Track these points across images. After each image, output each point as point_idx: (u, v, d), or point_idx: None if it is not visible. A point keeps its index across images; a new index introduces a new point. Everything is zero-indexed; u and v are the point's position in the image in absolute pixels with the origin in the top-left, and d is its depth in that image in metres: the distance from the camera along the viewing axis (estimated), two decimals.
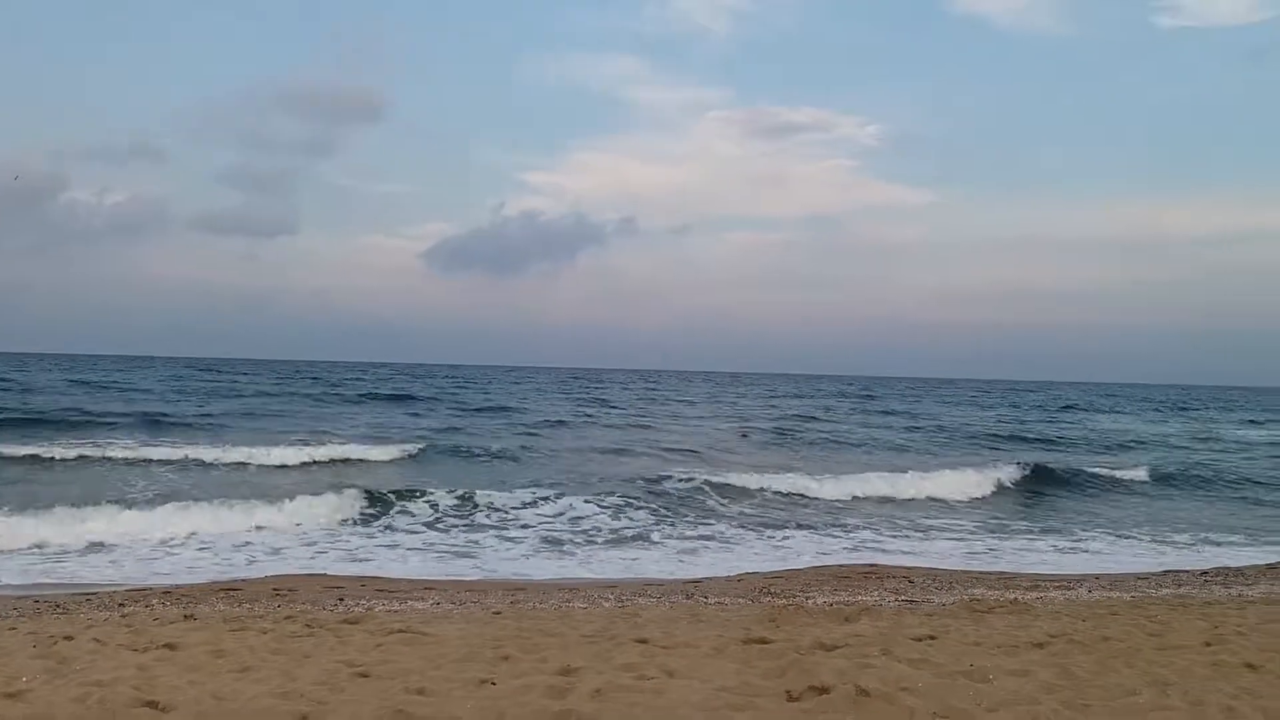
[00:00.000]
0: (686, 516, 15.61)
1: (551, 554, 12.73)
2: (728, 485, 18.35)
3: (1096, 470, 23.39)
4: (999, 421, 43.93)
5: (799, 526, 15.38)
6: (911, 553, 13.55)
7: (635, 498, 16.71)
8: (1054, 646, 6.78)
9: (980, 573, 11.47)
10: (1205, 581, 10.82)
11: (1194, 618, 8.02)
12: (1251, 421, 51.85)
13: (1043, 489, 20.73)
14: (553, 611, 8.11)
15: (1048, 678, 5.93)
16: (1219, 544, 14.94)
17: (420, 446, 23.51)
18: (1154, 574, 11.58)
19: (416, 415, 35.78)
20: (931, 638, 6.94)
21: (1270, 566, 12.12)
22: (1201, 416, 56.36)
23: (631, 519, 15.15)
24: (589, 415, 39.03)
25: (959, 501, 18.50)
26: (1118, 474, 23.24)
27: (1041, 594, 9.67)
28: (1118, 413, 59.97)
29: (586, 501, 16.01)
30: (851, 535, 14.84)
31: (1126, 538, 15.35)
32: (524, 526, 14.39)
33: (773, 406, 54.16)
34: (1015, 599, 9.04)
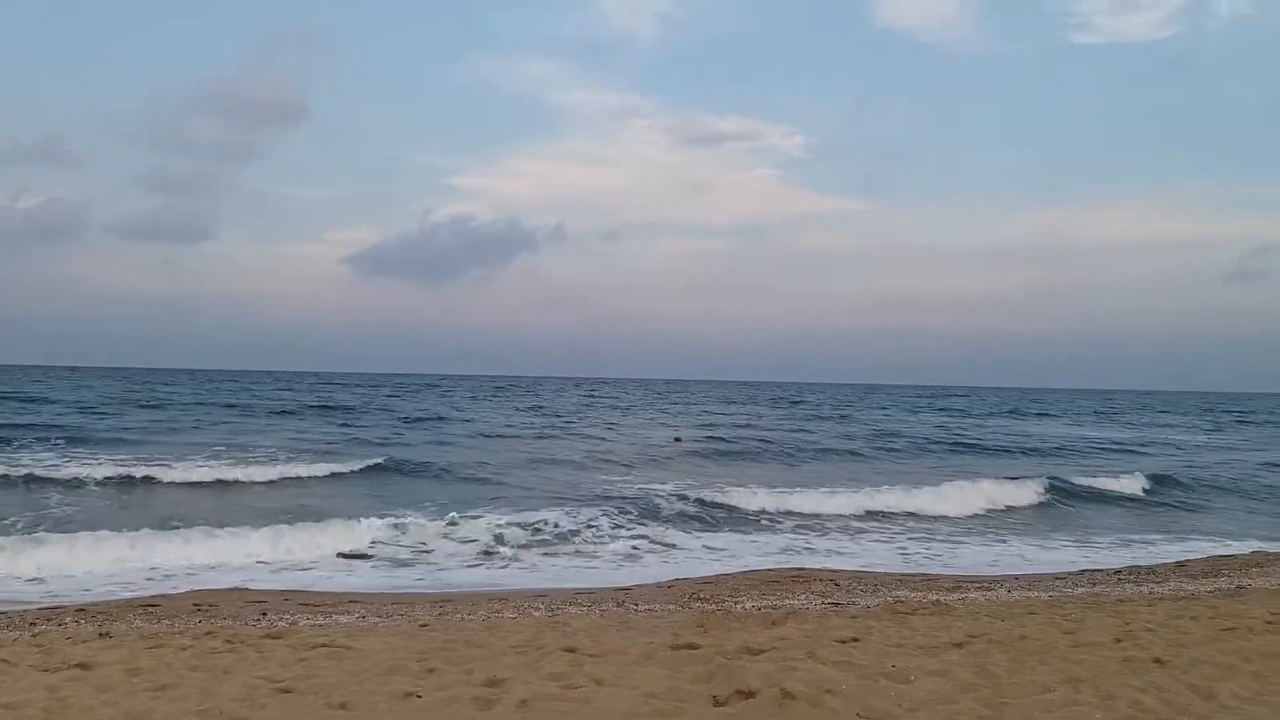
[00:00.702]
0: (625, 524, 15.60)
1: (487, 563, 12.62)
2: (680, 495, 18.36)
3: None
4: (944, 429, 44.50)
5: (735, 530, 15.52)
6: (839, 553, 13.77)
7: (584, 506, 16.64)
8: (973, 646, 6.95)
9: (904, 575, 11.69)
10: (1119, 580, 11.18)
11: (1106, 615, 8.28)
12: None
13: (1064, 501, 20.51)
14: (481, 622, 8.06)
15: (966, 677, 6.08)
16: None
17: (368, 462, 22.08)
18: (1070, 574, 11.93)
19: (347, 426, 35.08)
20: (855, 640, 7.06)
21: (1180, 564, 12.57)
22: (1135, 422, 57.83)
23: (577, 527, 15.06)
24: (530, 424, 38.81)
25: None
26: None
27: (963, 595, 9.90)
28: (1048, 416, 61.75)
29: (536, 511, 15.90)
30: (781, 538, 15.00)
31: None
32: (464, 541, 14.20)
33: (708, 412, 54.59)
34: (937, 600, 9.24)
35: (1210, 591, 10.00)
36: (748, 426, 41.87)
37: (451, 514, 15.09)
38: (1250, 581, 10.68)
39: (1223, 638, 7.28)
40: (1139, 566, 12.32)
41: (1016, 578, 11.51)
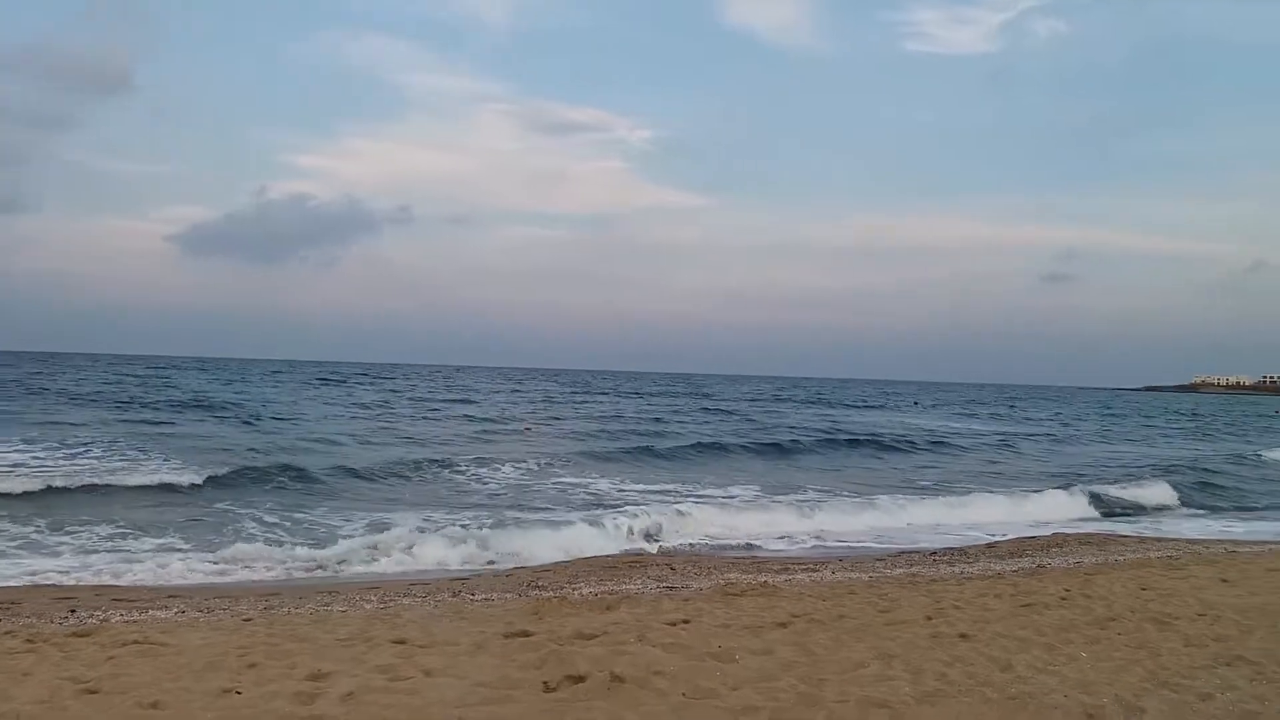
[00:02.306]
0: (469, 512, 15.43)
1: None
2: (527, 482, 18.28)
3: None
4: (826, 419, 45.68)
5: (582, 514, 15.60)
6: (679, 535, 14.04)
7: (429, 498, 16.35)
8: (796, 625, 7.25)
9: (736, 558, 12.06)
10: (934, 561, 11.87)
11: (920, 594, 8.79)
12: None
13: None
14: (308, 615, 7.83)
15: (788, 655, 6.34)
16: None
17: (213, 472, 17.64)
18: (890, 555, 12.58)
19: (171, 424, 32.95)
20: (685, 622, 7.25)
21: (990, 545, 13.45)
22: (1010, 417, 60.78)
23: (420, 521, 14.79)
24: (371, 413, 37.65)
25: None
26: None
27: (790, 576, 10.30)
28: (885, 409, 64.72)
29: (379, 506, 15.50)
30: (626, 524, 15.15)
31: None
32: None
33: (557, 401, 54.54)
34: (765, 582, 9.57)
35: (1014, 571, 10.74)
36: (599, 416, 42.10)
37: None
38: (1050, 561, 11.54)
39: (1021, 613, 7.85)
40: (953, 548, 13.11)
41: (840, 559, 12.05)
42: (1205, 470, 26.67)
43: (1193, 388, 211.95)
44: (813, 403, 68.70)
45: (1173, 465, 27.61)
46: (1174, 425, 56.83)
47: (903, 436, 34.92)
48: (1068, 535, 14.11)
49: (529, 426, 33.48)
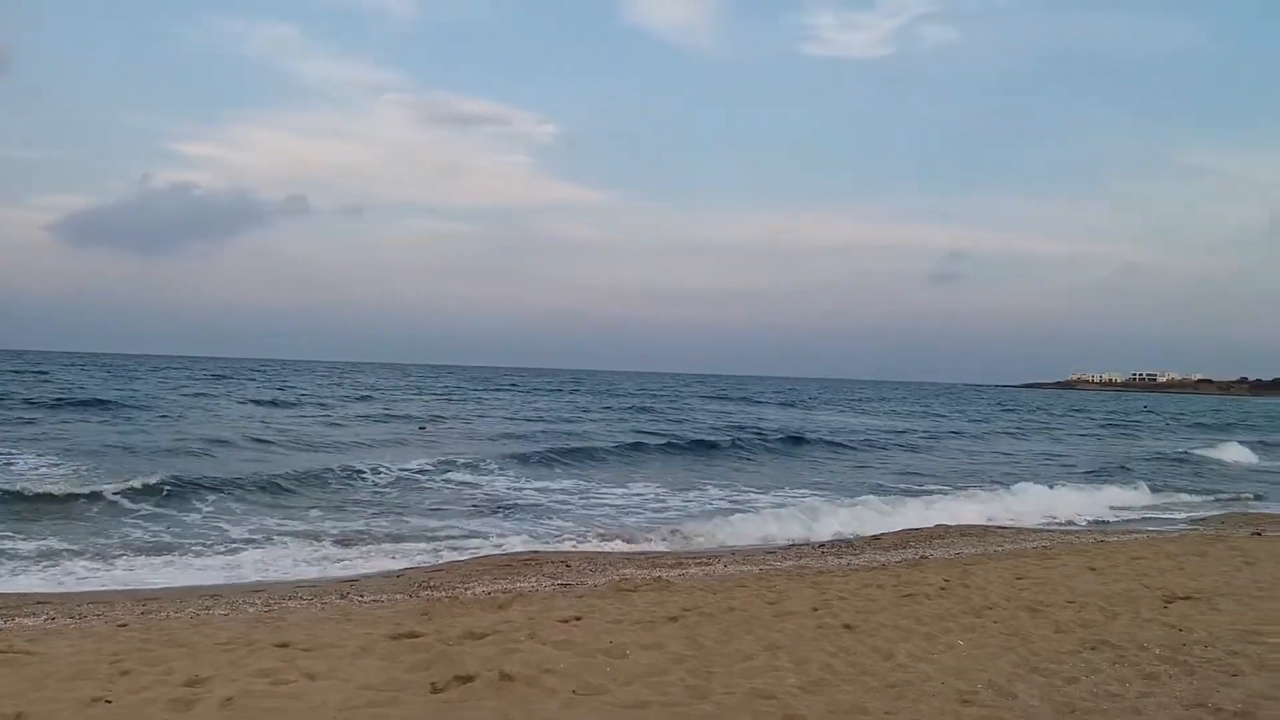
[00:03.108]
0: (360, 514, 15.12)
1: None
2: (420, 483, 17.99)
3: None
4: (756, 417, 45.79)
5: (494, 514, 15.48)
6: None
7: (318, 500, 15.93)
8: (687, 619, 7.34)
9: (631, 553, 12.11)
10: (822, 553, 12.15)
11: (807, 586, 8.99)
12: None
13: None
14: (188, 620, 7.57)
15: (678, 649, 6.42)
16: None
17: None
18: (780, 548, 12.82)
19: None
20: (578, 619, 7.26)
21: (875, 537, 13.82)
22: (919, 412, 62.22)
23: (310, 525, 14.41)
24: (263, 415, 36.39)
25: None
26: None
27: (683, 570, 10.41)
28: (791, 406, 65.81)
29: (269, 509, 15.02)
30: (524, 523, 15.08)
31: None
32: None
33: (457, 400, 53.86)
34: (659, 577, 9.66)
35: (898, 562, 11.08)
36: (500, 414, 41.75)
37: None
38: (932, 552, 11.94)
39: (903, 604, 8.11)
40: (841, 540, 13.42)
41: (733, 552, 12.23)
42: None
43: (1070, 384, 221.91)
44: (716, 398, 69.47)
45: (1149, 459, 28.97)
46: (1088, 422, 58.41)
47: (825, 434, 34.78)
48: (949, 527, 14.60)
49: (425, 425, 32.95)
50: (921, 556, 11.55)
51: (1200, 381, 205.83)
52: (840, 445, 31.63)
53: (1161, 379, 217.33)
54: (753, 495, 18.75)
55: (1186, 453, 32.51)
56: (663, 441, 30.17)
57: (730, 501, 18.00)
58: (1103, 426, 52.66)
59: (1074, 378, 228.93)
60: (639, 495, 18.54)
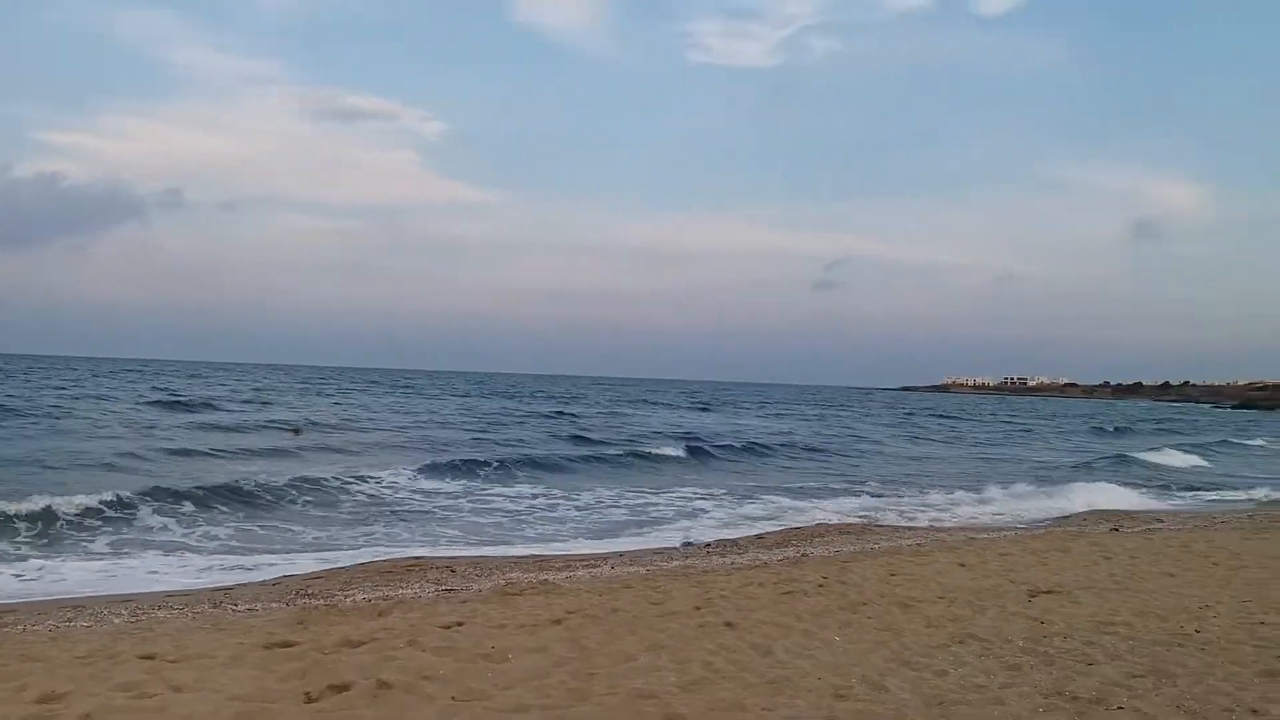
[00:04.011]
0: (233, 519, 14.58)
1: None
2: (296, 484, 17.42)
3: None
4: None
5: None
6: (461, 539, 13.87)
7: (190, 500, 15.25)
8: (571, 621, 7.33)
9: (519, 557, 12.03)
10: (708, 553, 12.31)
11: (691, 586, 9.09)
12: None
13: None
14: (46, 633, 7.18)
15: (561, 651, 6.41)
16: None
17: None
18: (669, 548, 12.93)
19: None
20: (460, 624, 7.17)
21: (759, 536, 14.07)
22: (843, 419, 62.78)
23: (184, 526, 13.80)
24: (117, 418, 34.81)
25: None
26: None
27: (570, 573, 10.40)
28: (690, 410, 66.26)
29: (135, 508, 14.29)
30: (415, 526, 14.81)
31: None
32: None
33: (339, 402, 52.55)
34: (545, 580, 9.63)
35: (780, 560, 11.31)
36: (381, 416, 40.93)
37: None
38: (812, 550, 12.22)
39: (783, 601, 8.28)
40: (726, 540, 13.62)
41: (620, 554, 12.27)
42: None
43: (944, 388, 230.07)
44: (616, 401, 69.60)
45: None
46: (989, 423, 60.21)
47: (748, 440, 34.61)
48: (830, 525, 14.99)
49: (298, 429, 31.99)
50: (802, 554, 11.81)
51: (1067, 385, 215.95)
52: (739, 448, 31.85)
53: (1031, 383, 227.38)
54: (648, 496, 18.89)
55: (1124, 455, 33.49)
56: (565, 444, 30.13)
57: (623, 502, 18.11)
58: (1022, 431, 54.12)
59: (949, 381, 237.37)
60: (529, 498, 18.46)
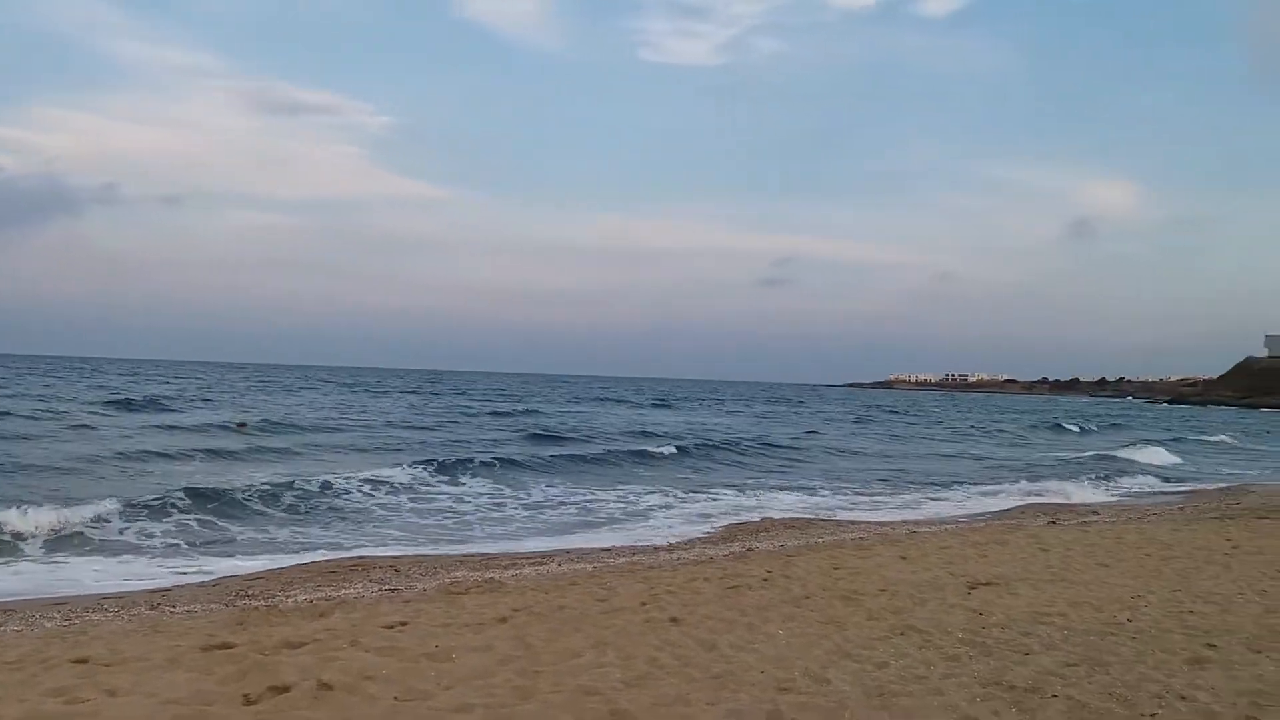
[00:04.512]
0: (174, 518, 14.26)
1: None
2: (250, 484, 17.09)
3: None
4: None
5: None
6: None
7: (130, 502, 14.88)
8: (516, 620, 7.31)
9: (465, 555, 11.96)
10: (655, 549, 12.35)
11: (637, 582, 9.11)
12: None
13: None
14: None
15: (506, 650, 6.38)
16: None
17: None
18: (618, 545, 12.94)
19: None
20: (403, 624, 7.11)
21: (707, 534, 14.15)
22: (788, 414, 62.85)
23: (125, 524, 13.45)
24: (50, 414, 33.90)
25: None
26: None
27: (517, 571, 10.36)
28: (650, 408, 66.24)
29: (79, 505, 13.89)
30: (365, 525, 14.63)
31: None
32: None
33: (280, 399, 51.74)
34: (491, 578, 9.58)
35: (726, 555, 11.39)
36: (325, 412, 40.39)
37: None
38: (758, 545, 12.32)
39: (728, 595, 8.34)
40: (678, 538, 13.67)
41: (568, 552, 12.25)
42: None
43: (888, 384, 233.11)
44: (571, 399, 69.43)
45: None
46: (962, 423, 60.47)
47: (720, 439, 34.43)
48: (774, 519, 15.12)
49: (244, 423, 31.46)
50: (748, 549, 11.90)
51: (1007, 381, 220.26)
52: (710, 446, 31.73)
53: (972, 379, 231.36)
54: (597, 493, 18.90)
55: (1108, 455, 33.67)
56: (516, 442, 29.97)
57: (572, 500, 18.09)
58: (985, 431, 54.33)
59: (893, 378, 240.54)
60: (476, 496, 18.35)
